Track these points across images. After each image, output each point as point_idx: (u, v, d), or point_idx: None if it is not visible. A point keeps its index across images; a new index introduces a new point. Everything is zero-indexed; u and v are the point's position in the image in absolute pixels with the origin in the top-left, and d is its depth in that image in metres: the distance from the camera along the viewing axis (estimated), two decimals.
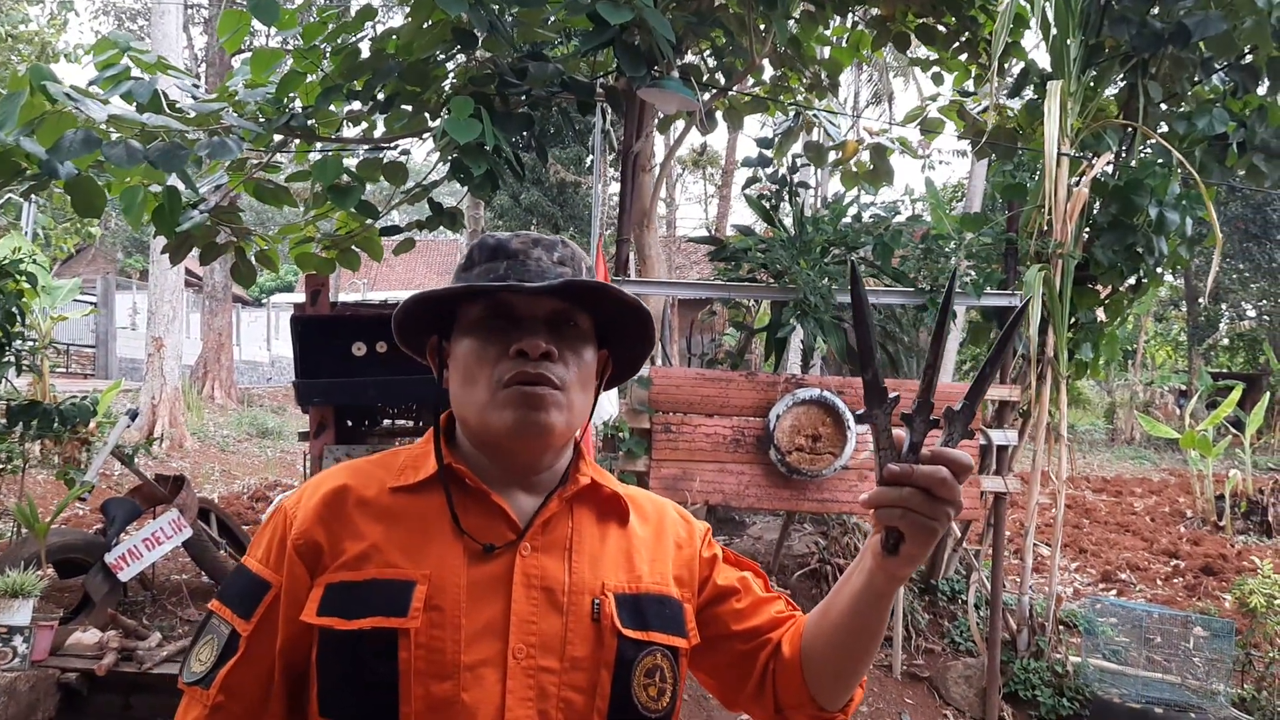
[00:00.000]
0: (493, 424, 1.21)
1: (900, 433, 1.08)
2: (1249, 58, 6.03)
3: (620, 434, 5.24)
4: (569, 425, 1.24)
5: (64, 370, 18.59)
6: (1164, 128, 6.08)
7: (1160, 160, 5.77)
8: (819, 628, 1.27)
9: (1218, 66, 6.12)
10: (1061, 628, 6.03)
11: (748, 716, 1.40)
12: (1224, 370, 21.03)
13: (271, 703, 1.21)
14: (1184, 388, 18.07)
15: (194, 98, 5.12)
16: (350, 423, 6.19)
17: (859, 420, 1.11)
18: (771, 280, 5.89)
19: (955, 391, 5.06)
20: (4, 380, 5.80)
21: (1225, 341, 24.23)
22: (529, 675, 1.16)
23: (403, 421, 6.52)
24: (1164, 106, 6.17)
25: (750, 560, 1.43)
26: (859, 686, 1.31)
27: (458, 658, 1.14)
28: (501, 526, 1.22)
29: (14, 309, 5.59)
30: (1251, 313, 24.27)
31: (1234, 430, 12.24)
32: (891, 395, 1.09)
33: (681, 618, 1.29)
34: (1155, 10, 5.73)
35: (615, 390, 5.37)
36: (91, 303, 19.14)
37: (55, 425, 5.64)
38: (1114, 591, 7.83)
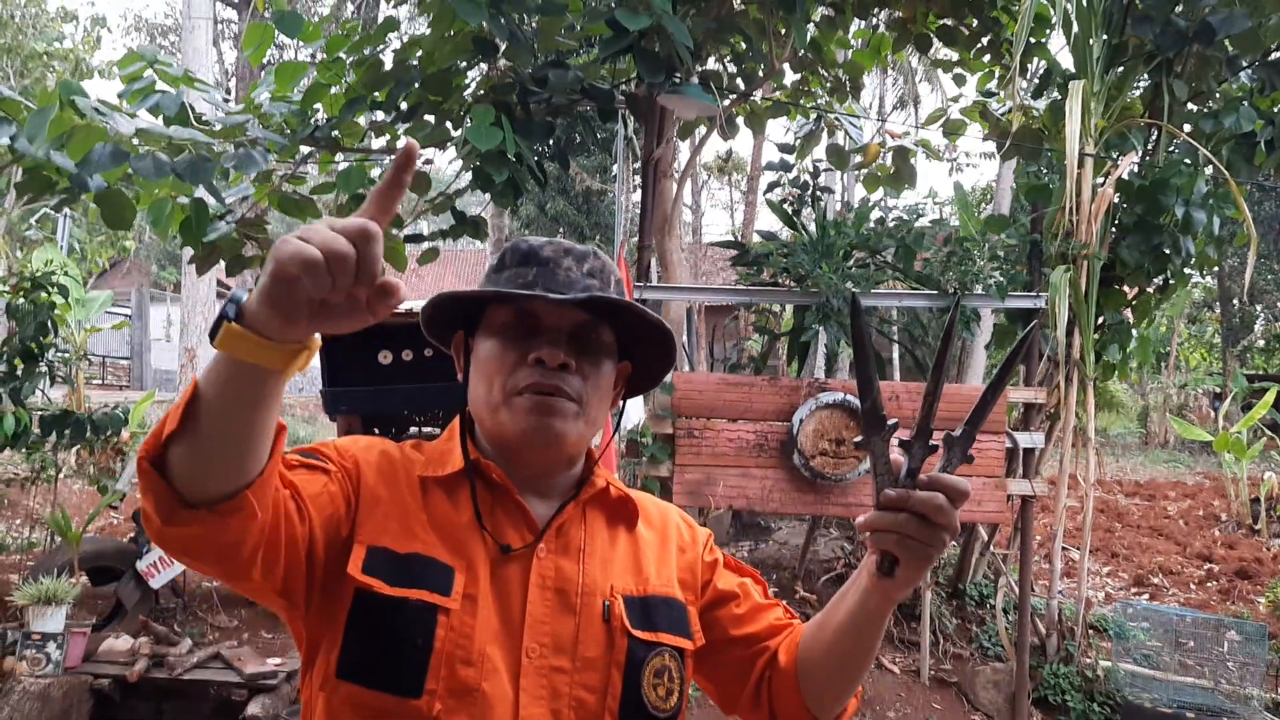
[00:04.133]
0: (504, 426, 1.24)
1: (899, 458, 1.10)
2: (1276, 54, 5.96)
3: (643, 439, 5.24)
4: (581, 436, 1.26)
5: (100, 382, 18.84)
6: (1190, 127, 6.02)
7: (1186, 160, 5.71)
8: (815, 640, 1.29)
9: (1244, 64, 6.05)
10: (1092, 632, 5.96)
11: None
12: (1259, 372, 20.68)
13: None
14: (1218, 390, 17.78)
15: (223, 112, 5.20)
16: (377, 430, 6.21)
17: (858, 447, 1.13)
18: (794, 285, 5.89)
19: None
20: (38, 391, 5.89)
21: (1260, 343, 23.85)
22: (541, 675, 1.17)
23: (429, 429, 6.56)
24: (1190, 105, 6.10)
25: (750, 567, 1.45)
26: (853, 697, 1.33)
27: (483, 648, 1.15)
28: (521, 527, 1.24)
29: (47, 320, 5.67)
30: None
31: (1269, 433, 12.05)
32: (890, 422, 1.10)
33: (687, 619, 1.31)
34: (1179, 8, 5.68)
35: (640, 396, 5.39)
36: (126, 315, 19.40)
37: (87, 434, 5.73)
38: (1146, 596, 7.73)
